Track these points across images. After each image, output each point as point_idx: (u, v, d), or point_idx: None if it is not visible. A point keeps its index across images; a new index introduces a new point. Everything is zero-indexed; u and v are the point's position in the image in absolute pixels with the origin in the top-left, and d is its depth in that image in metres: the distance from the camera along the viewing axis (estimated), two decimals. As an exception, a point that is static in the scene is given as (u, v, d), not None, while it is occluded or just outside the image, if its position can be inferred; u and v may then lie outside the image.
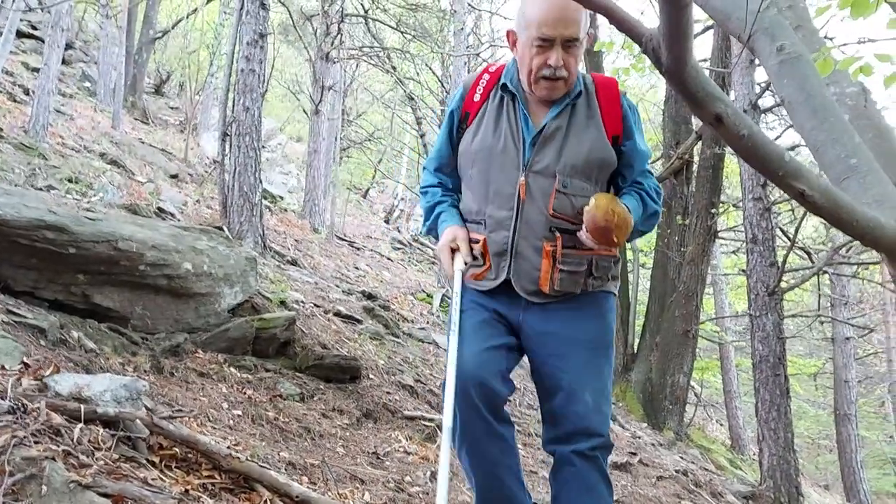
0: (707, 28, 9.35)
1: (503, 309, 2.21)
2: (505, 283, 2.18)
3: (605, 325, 2.23)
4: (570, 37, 2.04)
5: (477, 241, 2.20)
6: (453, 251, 2.20)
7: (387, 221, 20.63)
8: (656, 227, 10.12)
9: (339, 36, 13.49)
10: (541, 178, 2.13)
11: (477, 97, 2.27)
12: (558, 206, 2.11)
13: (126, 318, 4.01)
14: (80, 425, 2.28)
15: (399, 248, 16.79)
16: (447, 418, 2.02)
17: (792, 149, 9.77)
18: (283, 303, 5.59)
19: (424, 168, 2.46)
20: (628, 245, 9.86)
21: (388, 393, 4.95)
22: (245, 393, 3.98)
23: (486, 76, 2.29)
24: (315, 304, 6.53)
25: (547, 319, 2.18)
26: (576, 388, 2.12)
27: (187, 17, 16.16)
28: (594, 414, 2.12)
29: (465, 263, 2.18)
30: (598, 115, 2.19)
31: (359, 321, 6.69)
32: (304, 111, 17.99)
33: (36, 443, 2.05)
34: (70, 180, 7.39)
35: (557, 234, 2.12)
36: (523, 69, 2.14)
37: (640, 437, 7.32)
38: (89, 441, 2.28)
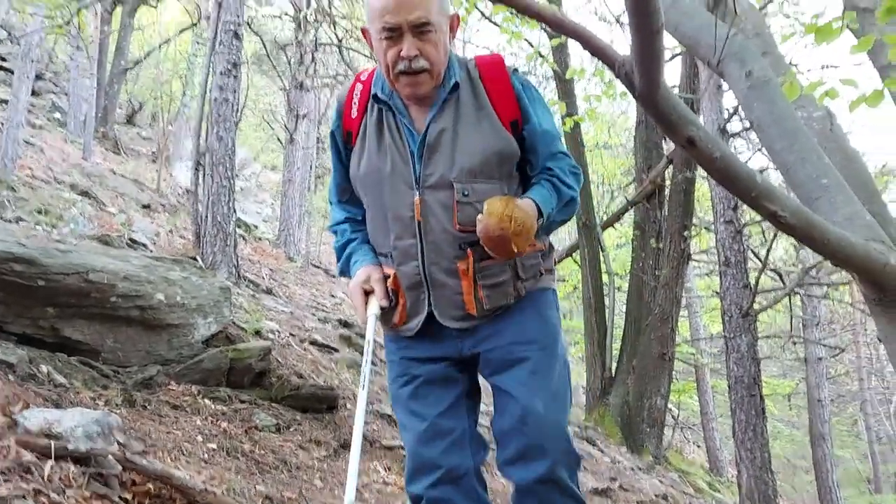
0: (675, 55, 9.54)
1: (437, 350, 1.97)
2: (429, 317, 1.94)
3: (547, 323, 1.98)
4: (418, 21, 1.77)
5: (387, 277, 1.97)
6: (367, 294, 1.97)
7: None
8: (631, 251, 10.23)
9: (313, 65, 13.54)
10: (437, 191, 1.86)
11: (354, 113, 1.98)
12: (463, 219, 1.84)
13: (97, 351, 3.93)
14: (51, 462, 2.22)
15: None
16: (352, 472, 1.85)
17: (761, 172, 9.94)
18: (257, 332, 5.52)
19: (330, 203, 2.21)
20: (604, 268, 9.92)
21: (365, 423, 4.88)
22: (220, 425, 3.91)
23: (360, 86, 2.00)
24: (291, 334, 6.46)
25: (483, 339, 1.94)
26: (524, 401, 1.87)
27: (160, 48, 16.13)
28: (547, 426, 1.87)
29: (382, 308, 1.95)
30: (488, 102, 1.90)
31: (335, 350, 6.63)
32: (278, 140, 17.98)
33: (6, 481, 1.99)
34: (39, 212, 7.28)
35: (469, 250, 1.86)
36: (382, 67, 1.87)
37: (619, 462, 7.31)
38: (60, 479, 2.21)
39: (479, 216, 1.76)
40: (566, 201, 1.94)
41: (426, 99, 1.89)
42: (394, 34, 1.78)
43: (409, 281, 1.94)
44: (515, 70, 1.94)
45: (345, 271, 2.10)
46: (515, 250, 1.77)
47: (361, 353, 6.88)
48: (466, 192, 1.85)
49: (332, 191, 2.17)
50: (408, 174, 1.88)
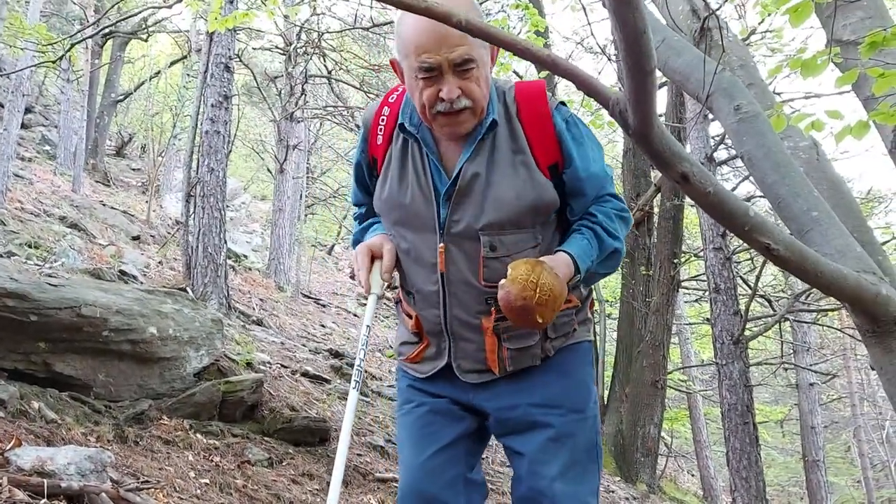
0: (662, 85, 9.68)
1: (447, 391, 1.82)
2: (447, 366, 1.80)
3: (577, 384, 1.79)
4: (460, 59, 1.56)
5: (410, 316, 1.83)
6: (373, 259, 1.79)
7: (352, 277, 20.51)
8: (621, 279, 10.27)
9: (303, 96, 13.64)
10: (463, 241, 1.69)
11: (379, 140, 1.78)
12: (489, 275, 1.67)
13: (88, 385, 3.90)
14: (44, 501, 2.19)
15: (365, 305, 16.69)
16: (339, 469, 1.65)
17: (749, 199, 10.07)
18: (249, 364, 5.49)
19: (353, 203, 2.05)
20: (594, 295, 9.92)
21: (358, 455, 4.86)
22: (212, 460, 3.87)
23: (387, 110, 1.78)
24: (282, 365, 6.43)
25: (500, 394, 1.77)
26: (539, 468, 1.70)
27: (150, 80, 16.22)
28: (565, 497, 1.68)
29: (384, 284, 1.78)
30: (526, 144, 1.68)
31: (327, 381, 6.59)
32: (268, 170, 18.04)
33: (-3, 522, 1.97)
34: (30, 245, 7.26)
35: (493, 308, 1.69)
36: (416, 105, 1.67)
37: (613, 492, 7.26)
38: (53, 518, 2.19)
39: (502, 281, 1.58)
40: (609, 252, 1.74)
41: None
42: (433, 74, 1.58)
43: (430, 326, 1.79)
44: (561, 104, 1.73)
45: (359, 241, 1.91)
46: (540, 321, 1.57)
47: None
48: (494, 246, 1.68)
49: (354, 202, 2.01)
50: (429, 216, 1.71)
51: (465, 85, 1.58)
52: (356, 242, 1.91)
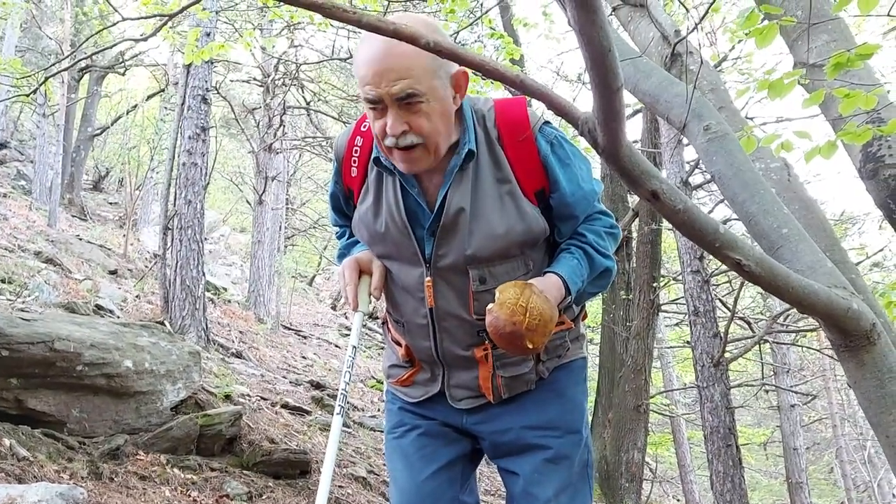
0: (636, 112, 9.81)
1: (440, 414, 1.80)
2: (439, 392, 1.78)
3: (571, 404, 1.77)
4: (402, 93, 1.47)
5: (399, 344, 1.80)
6: (361, 275, 1.73)
7: (334, 308, 20.45)
8: (601, 303, 10.31)
9: (282, 127, 13.67)
10: (451, 275, 1.64)
11: (354, 172, 1.72)
12: (481, 308, 1.61)
13: (62, 422, 3.83)
14: (12, 540, 2.13)
15: (347, 335, 16.59)
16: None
17: (725, 222, 10.18)
18: (228, 397, 5.42)
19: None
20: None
21: (339, 487, 4.78)
22: (190, 495, 3.80)
23: (360, 140, 1.71)
24: (262, 397, 6.35)
25: (493, 418, 1.75)
26: (533, 489, 1.68)
27: (127, 114, 16.19)
28: None
29: (372, 302, 1.74)
30: (510, 171, 1.61)
31: (307, 412, 6.52)
32: (247, 202, 18.00)
33: (-38, 562, 1.91)
34: (3, 281, 7.15)
35: (486, 341, 1.66)
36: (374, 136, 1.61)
37: (599, 518, 7.21)
38: (21, 557, 2.13)
39: (490, 306, 1.52)
40: (600, 272, 1.70)
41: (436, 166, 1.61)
42: (377, 106, 1.51)
43: (422, 356, 1.77)
44: (546, 123, 1.65)
45: (345, 255, 1.85)
46: (530, 347, 1.51)
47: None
48: (483, 279, 1.63)
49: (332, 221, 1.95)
50: (411, 249, 1.66)
51: (413, 120, 1.51)
52: (342, 256, 1.86)
